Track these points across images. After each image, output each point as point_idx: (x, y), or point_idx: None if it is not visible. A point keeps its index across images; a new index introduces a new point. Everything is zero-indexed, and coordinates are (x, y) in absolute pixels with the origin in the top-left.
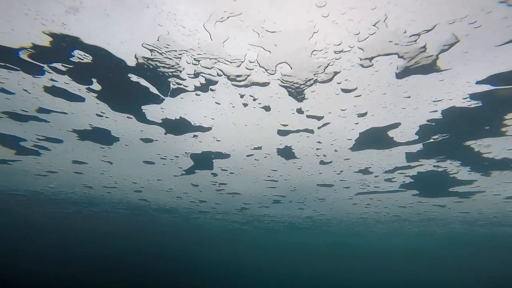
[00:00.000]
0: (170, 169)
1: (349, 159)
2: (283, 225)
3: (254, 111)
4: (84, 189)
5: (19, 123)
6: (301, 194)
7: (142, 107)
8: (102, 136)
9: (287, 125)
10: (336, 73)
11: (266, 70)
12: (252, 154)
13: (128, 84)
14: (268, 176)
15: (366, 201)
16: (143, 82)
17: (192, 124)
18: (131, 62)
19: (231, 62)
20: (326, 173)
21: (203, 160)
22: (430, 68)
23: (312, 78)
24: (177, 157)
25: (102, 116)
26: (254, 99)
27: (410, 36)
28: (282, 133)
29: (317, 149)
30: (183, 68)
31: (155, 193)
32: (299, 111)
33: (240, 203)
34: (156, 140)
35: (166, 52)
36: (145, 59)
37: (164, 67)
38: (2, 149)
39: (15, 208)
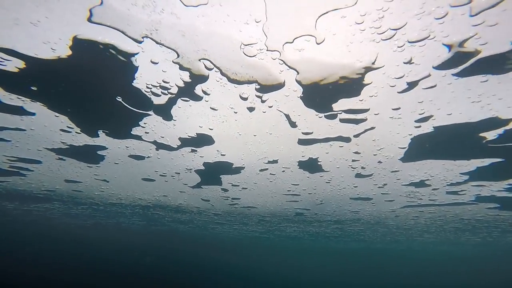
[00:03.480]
0: (174, 186)
1: (397, 171)
2: (308, 233)
3: (264, 116)
4: (93, 205)
5: None
6: (329, 207)
7: (111, 122)
8: (83, 155)
9: (311, 132)
10: (394, 53)
11: (278, 57)
12: (267, 169)
13: (81, 89)
14: (288, 190)
15: (414, 213)
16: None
17: (186, 136)
18: (70, 58)
19: (223, 46)
20: (364, 187)
21: (210, 176)
22: None
23: (354, 63)
24: (178, 173)
25: (71, 132)
26: (263, 101)
27: None
28: (304, 142)
29: (353, 160)
30: (155, 62)
31: (165, 209)
32: (330, 116)
33: (257, 216)
34: (149, 156)
35: (109, 36)
36: (89, 50)
37: (119, 59)
38: None
39: (39, 220)
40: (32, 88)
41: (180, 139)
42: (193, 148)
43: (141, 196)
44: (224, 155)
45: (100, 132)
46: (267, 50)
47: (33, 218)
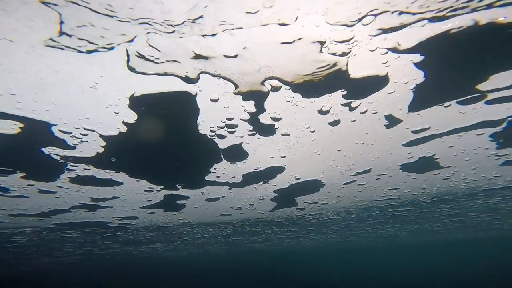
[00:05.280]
0: (249, 215)
1: None
2: (407, 230)
3: (353, 126)
4: (183, 241)
5: (91, 213)
6: (444, 202)
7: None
8: (167, 206)
9: (428, 128)
10: None
11: (383, 46)
12: (354, 180)
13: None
14: (383, 196)
15: None
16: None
17: (256, 172)
18: (132, 120)
19: (292, 54)
20: None
21: (284, 200)
22: None
23: None
24: (252, 204)
25: (152, 191)
26: (352, 109)
27: None
28: (414, 142)
29: (497, 148)
30: (215, 99)
31: (243, 234)
32: (469, 100)
33: (339, 225)
34: (223, 196)
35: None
36: (147, 105)
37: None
38: (102, 229)
39: (151, 256)
40: (112, 160)
41: (250, 175)
42: (264, 180)
43: (220, 228)
44: (299, 178)
45: (178, 186)
46: (360, 41)
47: (146, 255)
